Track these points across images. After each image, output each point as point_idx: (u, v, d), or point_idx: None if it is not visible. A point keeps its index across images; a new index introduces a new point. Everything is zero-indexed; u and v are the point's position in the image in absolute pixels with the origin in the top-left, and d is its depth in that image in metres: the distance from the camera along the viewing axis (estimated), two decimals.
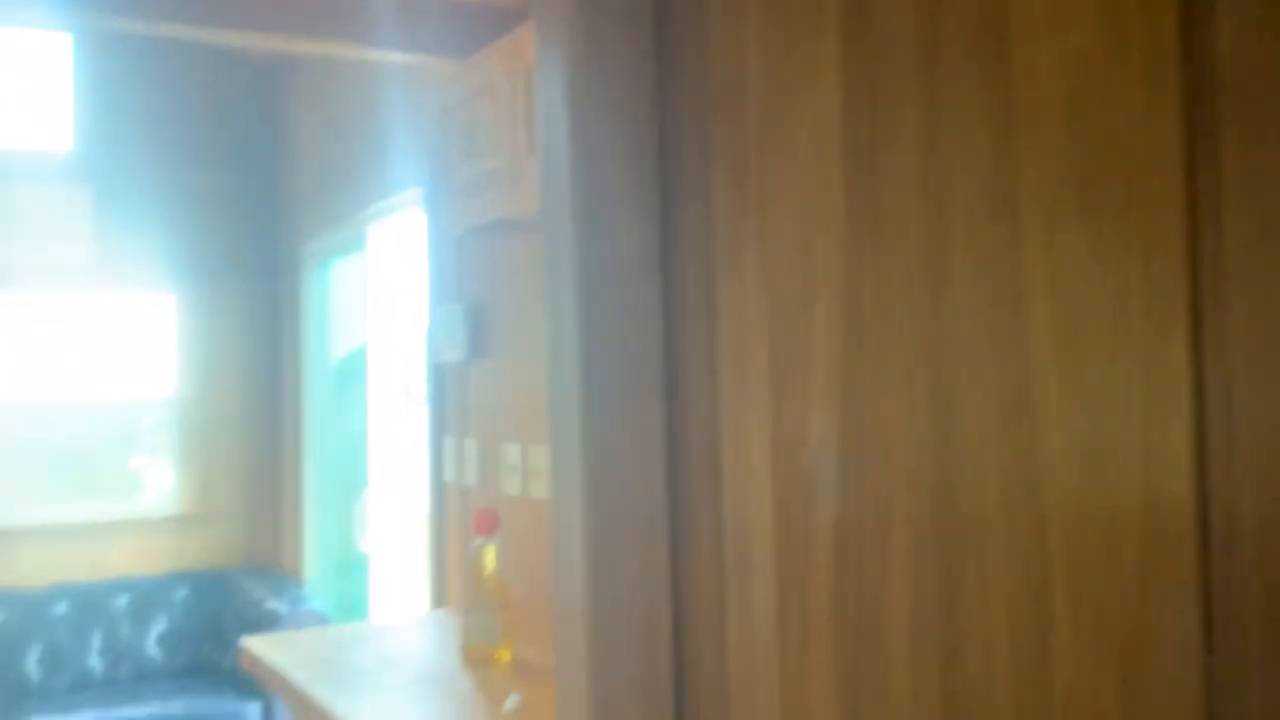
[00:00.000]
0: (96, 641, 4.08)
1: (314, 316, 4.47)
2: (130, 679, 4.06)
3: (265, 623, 3.87)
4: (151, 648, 4.16)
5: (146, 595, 4.23)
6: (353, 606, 4.23)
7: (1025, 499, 0.60)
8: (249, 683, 3.87)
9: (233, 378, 4.64)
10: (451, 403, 3.10)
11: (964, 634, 0.62)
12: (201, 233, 4.59)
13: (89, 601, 4.13)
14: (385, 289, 3.90)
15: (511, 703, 1.73)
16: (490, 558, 2.07)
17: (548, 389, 0.87)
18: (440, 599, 3.12)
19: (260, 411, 4.70)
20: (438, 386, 3.18)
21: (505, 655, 2.05)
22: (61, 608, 4.07)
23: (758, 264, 0.74)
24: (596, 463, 0.79)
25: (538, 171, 1.81)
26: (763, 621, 0.72)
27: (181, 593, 4.30)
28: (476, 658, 2.04)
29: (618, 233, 0.79)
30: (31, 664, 3.95)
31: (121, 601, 4.19)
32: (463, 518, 3.04)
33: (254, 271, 4.70)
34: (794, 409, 0.71)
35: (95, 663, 4.05)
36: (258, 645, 2.26)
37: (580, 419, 0.79)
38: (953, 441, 0.63)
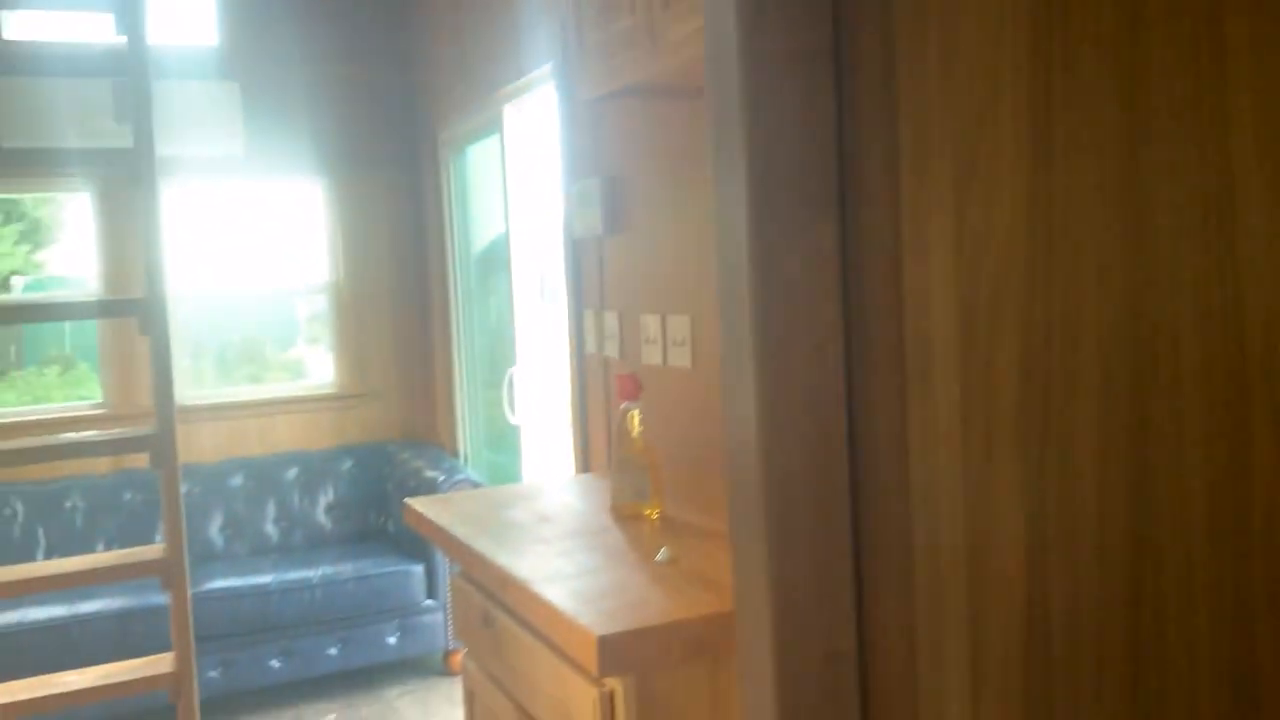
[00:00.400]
0: (271, 511, 4.39)
1: (455, 200, 4.56)
2: (303, 545, 4.38)
3: (424, 491, 4.09)
4: (321, 516, 4.46)
5: (314, 467, 4.52)
6: (504, 476, 4.42)
7: (1223, 307, 0.57)
8: (413, 547, 4.11)
9: (383, 263, 4.81)
10: (589, 277, 3.15)
11: (1155, 447, 0.61)
12: (345, 123, 4.71)
13: (262, 474, 4.44)
14: (522, 169, 3.94)
15: (663, 554, 1.80)
16: (635, 420, 2.12)
17: (714, 210, 0.86)
18: (585, 465, 3.23)
19: (410, 294, 4.87)
20: (576, 261, 3.23)
21: (653, 512, 2.12)
22: (238, 480, 4.39)
23: (941, 55, 0.71)
24: (765, 280, 0.78)
25: (676, 27, 1.78)
26: (946, 431, 0.71)
27: (346, 465, 4.57)
28: (626, 515, 2.12)
29: (788, 26, 0.76)
30: (214, 531, 4.29)
31: (291, 473, 4.48)
32: (605, 388, 3.11)
33: (396, 160, 4.82)
34: (978, 211, 0.69)
35: (271, 530, 4.38)
36: (421, 505, 2.39)
37: (748, 234, 0.78)
38: (1146, 245, 0.60)
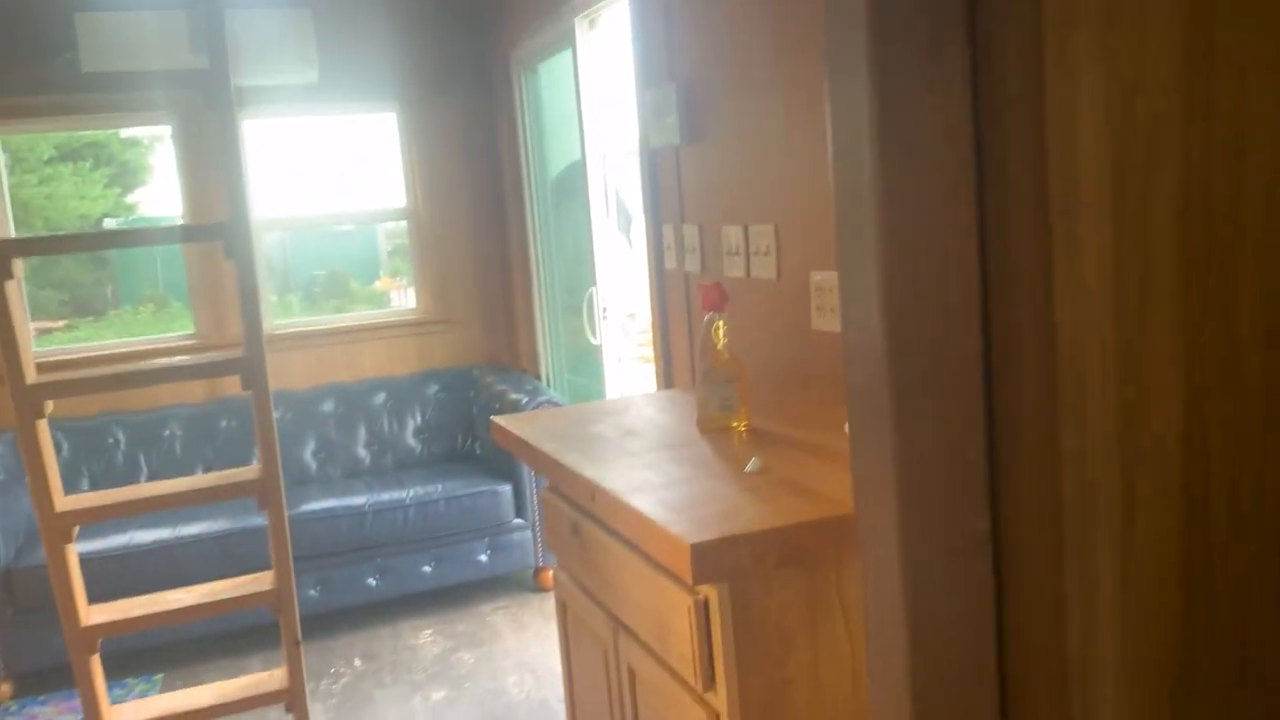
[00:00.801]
0: (361, 435, 4.48)
1: (530, 121, 4.51)
2: (393, 467, 4.46)
3: (509, 413, 4.11)
4: (410, 439, 4.53)
5: (401, 393, 4.58)
6: (587, 397, 4.42)
7: None
8: (500, 468, 4.16)
9: (459, 189, 4.80)
10: (667, 189, 3.09)
11: None
12: (417, 47, 4.67)
13: (351, 400, 4.51)
14: (596, 84, 3.87)
15: (753, 464, 1.77)
16: (720, 331, 2.07)
17: (826, 44, 0.79)
18: (668, 381, 3.20)
19: (488, 219, 4.86)
20: (653, 174, 3.16)
21: (740, 424, 2.08)
22: (328, 405, 4.48)
23: None
24: (885, 117, 0.71)
25: None
26: (1096, 283, 0.65)
27: (432, 389, 4.62)
28: (713, 427, 2.09)
29: None
30: (308, 455, 4.40)
31: (379, 399, 4.55)
32: (686, 304, 3.07)
33: (469, 82, 4.77)
34: (1132, 21, 0.62)
35: (362, 453, 4.46)
36: (507, 422, 2.39)
37: (866, 59, 0.71)
38: None
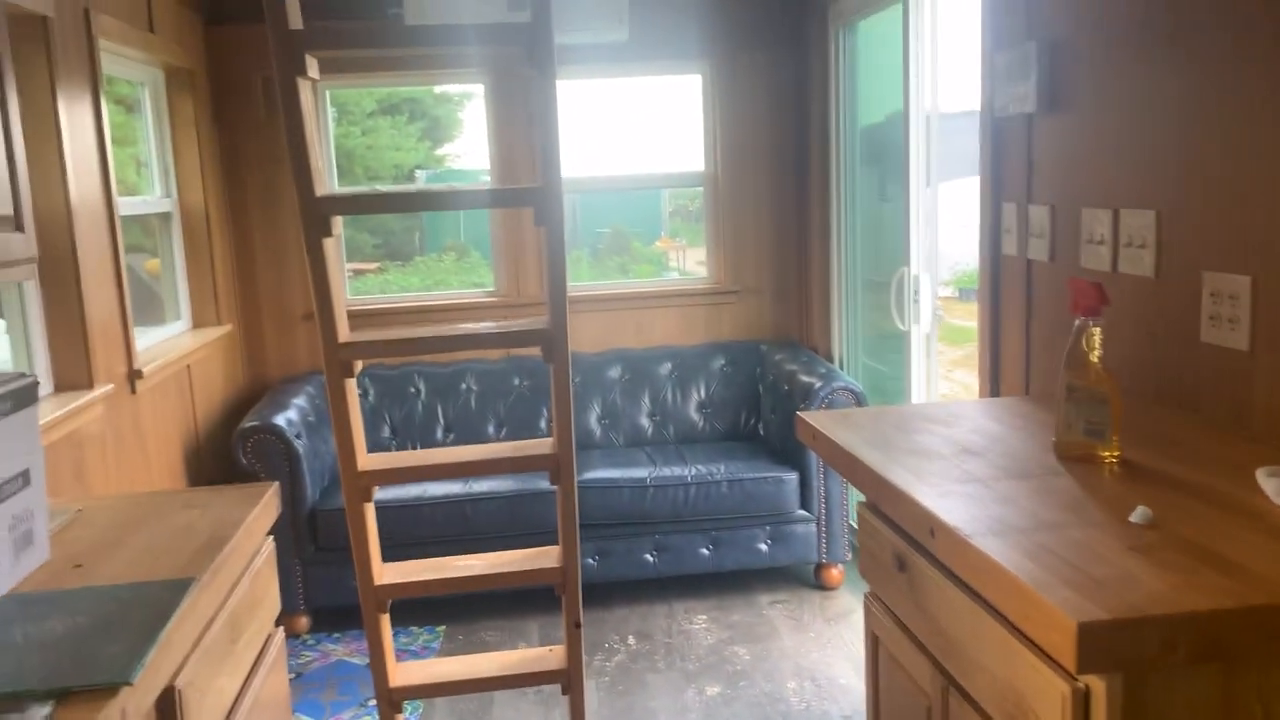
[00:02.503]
0: (645, 404, 4.38)
1: (843, 82, 4.19)
2: (675, 440, 4.34)
3: (799, 396, 3.87)
4: (693, 413, 4.39)
5: (687, 363, 4.44)
6: (885, 387, 4.10)
7: None
8: (786, 453, 3.93)
9: (760, 153, 4.57)
10: (1013, 164, 2.70)
11: None
12: (728, 6, 4.46)
13: (638, 367, 4.42)
14: (929, 41, 3.50)
15: (1140, 514, 1.43)
16: (1096, 340, 1.72)
17: None
18: (995, 387, 2.84)
19: (788, 187, 4.60)
20: (997, 145, 2.78)
21: (1110, 455, 1.72)
22: (615, 371, 4.41)
23: None
24: None
25: None
26: None
27: (718, 362, 4.45)
28: (1074, 454, 1.75)
29: None
30: (593, 421, 4.35)
31: (665, 368, 4.44)
32: (1025, 298, 2.69)
33: (779, 42, 4.51)
34: None
35: (645, 423, 4.37)
36: (816, 420, 2.14)
37: None
38: None
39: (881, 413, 2.21)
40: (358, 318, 4.41)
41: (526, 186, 2.25)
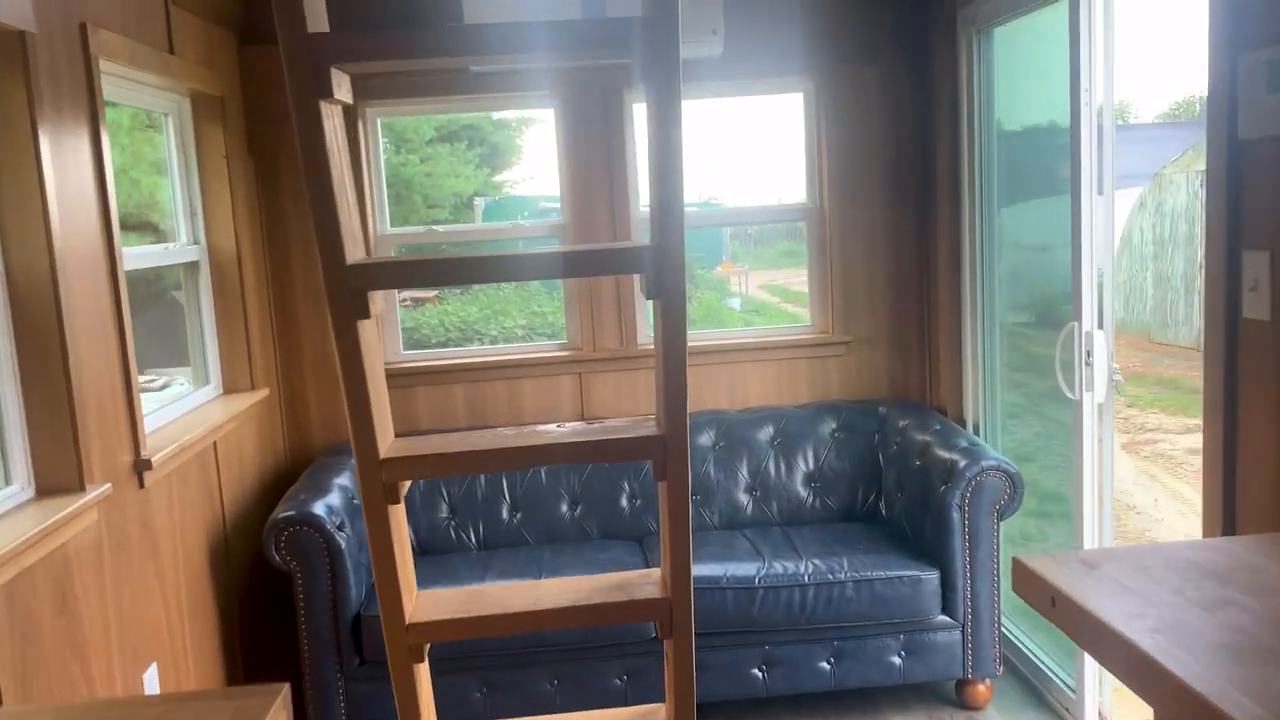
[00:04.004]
0: (743, 477, 3.74)
1: (978, 96, 3.54)
2: (780, 520, 3.69)
3: (937, 476, 3.21)
4: (799, 487, 3.73)
5: (791, 428, 3.79)
6: (1038, 465, 3.43)
7: None
8: (920, 541, 3.27)
9: (873, 180, 3.93)
10: (1262, 199, 2.04)
11: None
12: (836, 15, 3.84)
13: (733, 433, 3.78)
14: (1101, 38, 2.85)
15: None
16: None
17: None
18: (1227, 500, 2.15)
19: (907, 218, 3.95)
20: (1234, 173, 2.12)
21: None
22: (707, 438, 3.78)
23: None
24: None
25: None
26: None
27: (827, 426, 3.80)
28: None
29: None
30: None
31: (765, 433, 3.79)
32: (1277, 374, 2.01)
33: (893, 51, 3.87)
34: None
35: (743, 499, 3.73)
36: (1054, 571, 1.50)
37: None
38: None
39: (1137, 558, 1.56)
40: (412, 375, 3.85)
41: (633, 246, 1.63)
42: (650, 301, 1.68)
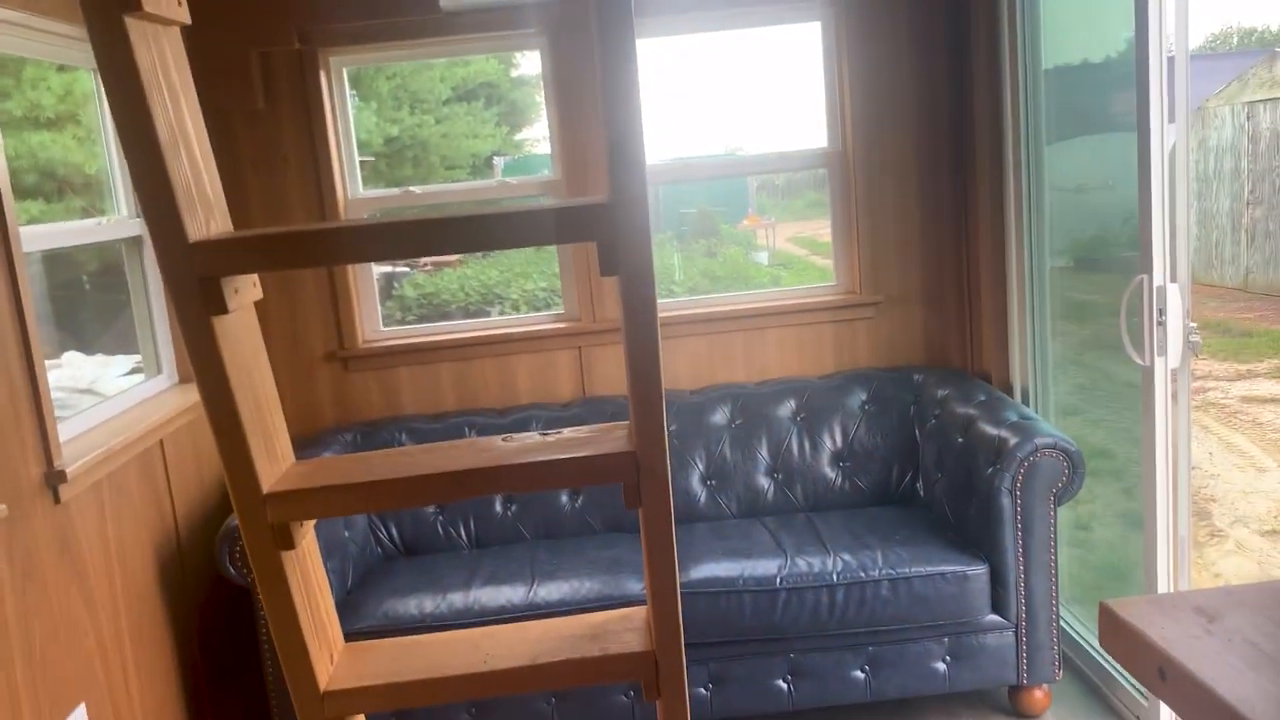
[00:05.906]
0: (762, 458, 3.34)
1: (1024, 19, 3.08)
2: (804, 506, 3.30)
3: (984, 455, 2.80)
4: (825, 468, 3.33)
5: (815, 401, 3.38)
6: (1093, 435, 3.01)
7: None
8: (965, 530, 2.87)
9: (903, 120, 3.47)
10: None
11: None
12: None
13: (750, 409, 3.38)
14: None
15: None
16: None
17: None
18: None
19: (942, 162, 3.50)
20: None
21: None
22: (721, 415, 3.38)
23: None
24: None
25: None
26: None
27: (855, 399, 3.39)
28: None
29: None
30: (695, 482, 3.33)
31: (786, 409, 3.39)
32: None
33: None
34: None
35: (763, 483, 3.33)
36: (1158, 628, 1.11)
37: None
38: None
39: (1275, 603, 1.16)
40: (394, 355, 3.47)
41: (580, 203, 1.22)
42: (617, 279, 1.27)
